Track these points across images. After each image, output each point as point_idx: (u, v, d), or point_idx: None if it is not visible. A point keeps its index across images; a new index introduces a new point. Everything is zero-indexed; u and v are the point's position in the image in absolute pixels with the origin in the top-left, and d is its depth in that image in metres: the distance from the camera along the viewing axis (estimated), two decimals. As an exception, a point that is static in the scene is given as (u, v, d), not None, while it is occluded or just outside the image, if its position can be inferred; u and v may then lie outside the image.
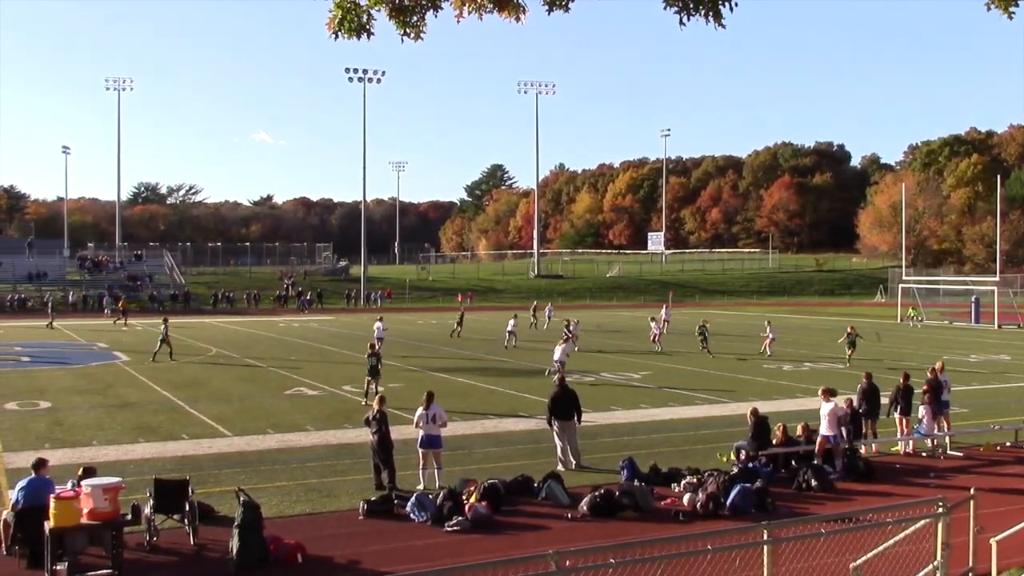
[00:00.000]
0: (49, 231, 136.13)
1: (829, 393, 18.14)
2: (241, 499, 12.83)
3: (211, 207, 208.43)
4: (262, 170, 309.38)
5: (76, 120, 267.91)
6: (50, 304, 63.11)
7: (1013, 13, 8.24)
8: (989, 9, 8.32)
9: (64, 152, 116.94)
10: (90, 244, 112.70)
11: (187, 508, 13.34)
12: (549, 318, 58.58)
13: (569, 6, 7.87)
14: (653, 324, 44.36)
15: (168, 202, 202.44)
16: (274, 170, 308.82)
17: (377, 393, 26.81)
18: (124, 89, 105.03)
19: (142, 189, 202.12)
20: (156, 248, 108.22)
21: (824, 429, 17.62)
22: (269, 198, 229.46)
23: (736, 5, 7.62)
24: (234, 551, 12.16)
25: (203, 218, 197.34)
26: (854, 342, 37.06)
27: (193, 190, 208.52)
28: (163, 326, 39.27)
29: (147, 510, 13.18)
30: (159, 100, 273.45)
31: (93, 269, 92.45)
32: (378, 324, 40.77)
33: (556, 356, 31.02)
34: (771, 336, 39.83)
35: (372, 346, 28.34)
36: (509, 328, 44.47)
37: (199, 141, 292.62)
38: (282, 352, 41.52)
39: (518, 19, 7.89)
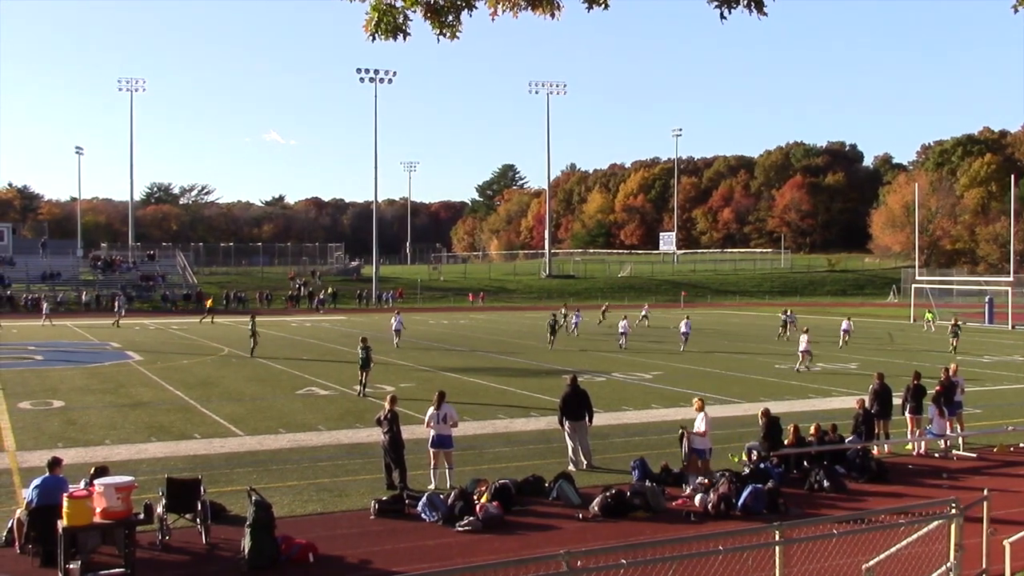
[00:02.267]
0: (63, 231, 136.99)
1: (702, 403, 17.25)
2: (253, 498, 12.85)
3: (223, 207, 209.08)
4: (274, 170, 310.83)
5: (89, 121, 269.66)
6: (45, 304, 63.93)
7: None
8: (1016, 11, 8.29)
9: (77, 153, 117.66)
10: (103, 244, 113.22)
11: (199, 507, 13.38)
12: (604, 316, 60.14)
13: (608, 4, 7.87)
14: (623, 323, 44.65)
15: (180, 202, 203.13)
16: (286, 170, 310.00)
17: (365, 384, 27.65)
18: (137, 90, 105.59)
19: (155, 189, 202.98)
20: (168, 248, 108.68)
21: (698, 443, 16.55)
22: (281, 198, 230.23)
23: None
24: (246, 550, 12.19)
25: (215, 218, 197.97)
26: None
27: (205, 190, 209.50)
28: (251, 322, 39.99)
29: (159, 509, 13.21)
30: (171, 101, 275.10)
31: (106, 269, 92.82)
32: (397, 317, 45.20)
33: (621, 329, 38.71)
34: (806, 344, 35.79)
35: (363, 339, 29.25)
36: (621, 329, 44.31)
37: (211, 141, 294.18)
38: (294, 352, 41.61)
39: (552, 15, 7.93)
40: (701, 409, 16.89)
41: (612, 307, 58.55)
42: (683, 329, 43.36)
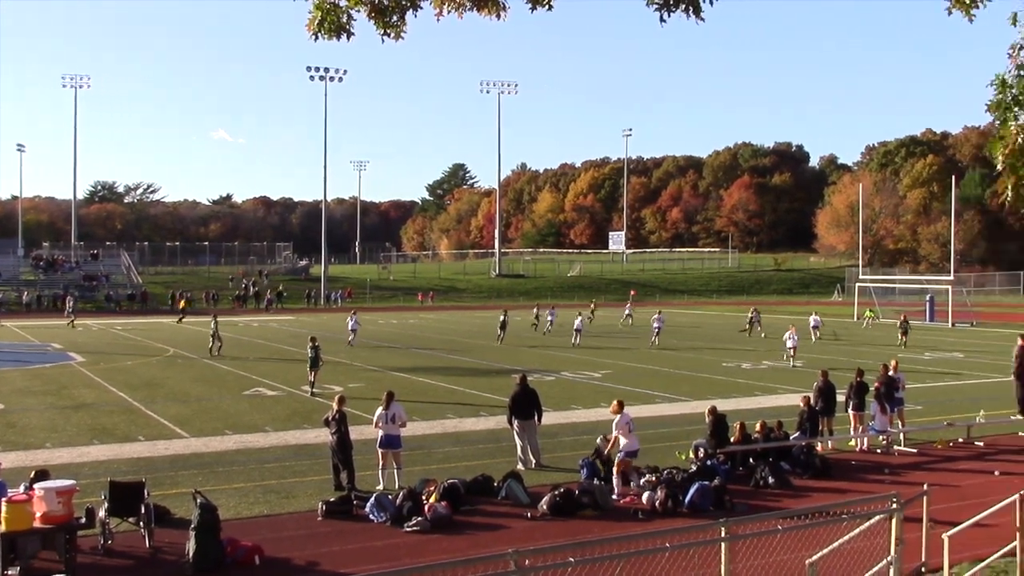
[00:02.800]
0: (3, 231, 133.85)
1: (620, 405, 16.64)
2: (198, 501, 12.69)
3: (169, 206, 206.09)
4: (221, 169, 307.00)
5: (32, 118, 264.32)
6: None
7: (974, 16, 8.37)
8: (950, 13, 8.44)
9: (19, 150, 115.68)
10: (45, 243, 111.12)
11: (143, 511, 13.18)
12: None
13: (552, 4, 7.88)
14: (578, 321, 45.65)
15: (125, 201, 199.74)
16: (234, 169, 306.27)
17: (314, 384, 27.59)
18: (81, 87, 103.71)
19: (99, 188, 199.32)
20: (113, 248, 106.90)
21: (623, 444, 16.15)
22: (228, 197, 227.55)
23: None
24: (190, 554, 12.05)
25: (161, 217, 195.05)
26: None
27: (151, 189, 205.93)
28: (213, 322, 40.35)
29: (102, 513, 13.01)
30: (117, 98, 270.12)
31: (48, 269, 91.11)
32: (353, 316, 45.76)
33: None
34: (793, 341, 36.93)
35: (312, 339, 29.25)
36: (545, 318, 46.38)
37: (157, 139, 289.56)
38: (241, 352, 41.17)
39: (498, 16, 7.90)
40: (618, 411, 16.38)
41: (558, 306, 58.63)
42: (655, 325, 45.16)
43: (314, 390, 27.76)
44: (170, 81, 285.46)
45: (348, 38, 7.80)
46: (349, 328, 44.99)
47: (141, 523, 13.21)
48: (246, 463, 18.38)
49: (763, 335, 48.24)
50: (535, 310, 56.21)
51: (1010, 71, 8.24)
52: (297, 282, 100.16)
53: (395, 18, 7.84)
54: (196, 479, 16.68)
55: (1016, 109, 8.19)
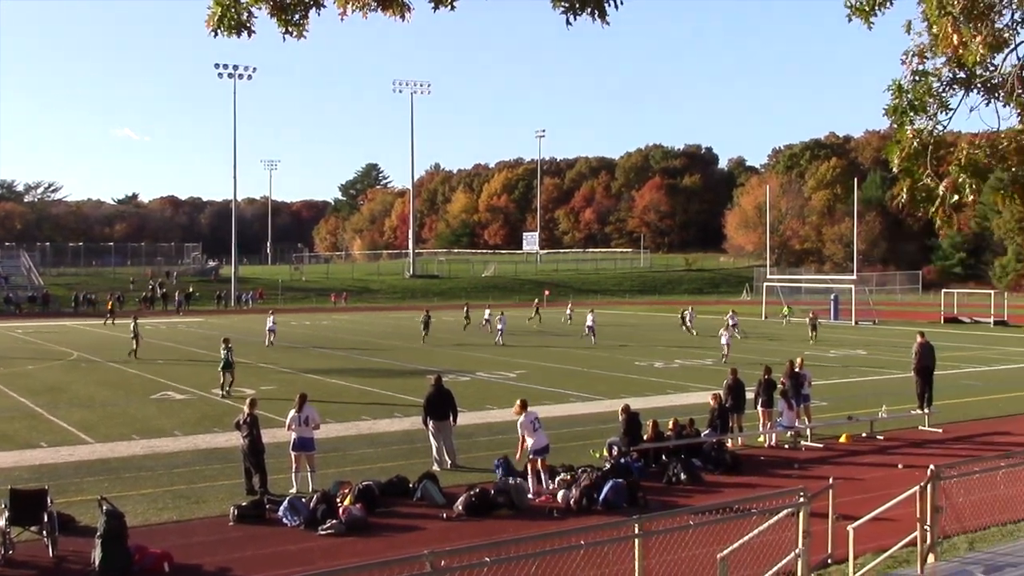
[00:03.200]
0: None
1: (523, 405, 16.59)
2: (104, 508, 12.38)
3: (72, 206, 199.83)
4: (127, 168, 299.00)
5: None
6: None
7: (873, 24, 8.60)
8: (850, 20, 8.65)
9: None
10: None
11: (45, 519, 12.79)
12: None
13: (455, 5, 7.84)
14: (500, 317, 46.82)
15: (25, 200, 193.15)
16: (140, 168, 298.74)
17: (228, 385, 27.19)
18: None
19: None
20: (12, 248, 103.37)
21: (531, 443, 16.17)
22: (134, 196, 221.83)
23: (621, 3, 7.73)
24: (96, 562, 11.76)
25: (63, 217, 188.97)
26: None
27: (52, 188, 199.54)
28: (133, 323, 39.84)
29: (2, 522, 12.60)
30: (16, 94, 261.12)
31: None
32: (271, 317, 46.53)
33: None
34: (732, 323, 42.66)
35: (226, 340, 28.65)
36: (496, 323, 46.81)
37: (58, 137, 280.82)
38: (148, 355, 40.20)
39: (403, 17, 7.83)
40: (520, 412, 16.34)
41: (491, 306, 58.48)
42: (588, 323, 46.39)
43: (225, 392, 27.30)
44: (72, 77, 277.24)
45: (249, 35, 7.64)
46: (268, 329, 44.83)
47: (44, 532, 12.82)
48: (154, 468, 17.98)
49: (695, 333, 49.42)
50: (487, 310, 55.49)
51: (906, 77, 8.49)
52: (207, 283, 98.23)
53: (297, 16, 7.72)
54: (102, 485, 16.24)
55: (912, 114, 8.44)
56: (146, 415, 24.31)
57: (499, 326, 46.73)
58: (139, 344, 39.06)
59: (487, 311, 54.96)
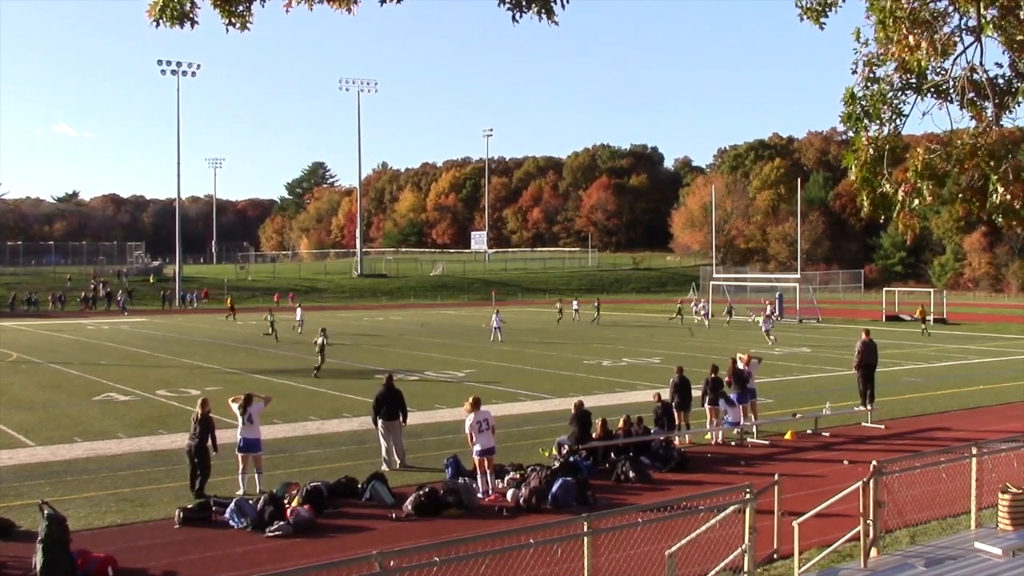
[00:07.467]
0: None
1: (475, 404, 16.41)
2: (45, 512, 12.13)
3: (10, 204, 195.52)
4: (67, 165, 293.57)
5: None
6: None
7: (824, 24, 8.69)
8: (802, 20, 8.74)
9: None
10: None
11: (-16, 524, 12.52)
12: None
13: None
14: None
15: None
16: (80, 165, 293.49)
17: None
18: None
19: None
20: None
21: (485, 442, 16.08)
22: (75, 195, 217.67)
23: (568, 2, 7.73)
24: (37, 567, 11.52)
25: (1, 215, 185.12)
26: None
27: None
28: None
29: (-61, 528, 12.29)
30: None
31: None
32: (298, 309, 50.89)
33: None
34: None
35: (323, 330, 33.01)
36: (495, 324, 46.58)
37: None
38: (90, 356, 39.51)
39: (349, 10, 7.78)
40: (471, 410, 16.21)
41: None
42: (494, 323, 46.33)
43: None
44: (9, 72, 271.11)
45: (192, 26, 7.54)
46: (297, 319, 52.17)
47: (-17, 537, 12.54)
48: (97, 471, 17.68)
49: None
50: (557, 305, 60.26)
51: (859, 84, 8.57)
52: (147, 283, 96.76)
53: (241, 8, 7.62)
54: (43, 489, 15.93)
55: (866, 121, 8.51)
56: (88, 417, 23.89)
57: (494, 324, 46.59)
58: None
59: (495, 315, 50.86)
